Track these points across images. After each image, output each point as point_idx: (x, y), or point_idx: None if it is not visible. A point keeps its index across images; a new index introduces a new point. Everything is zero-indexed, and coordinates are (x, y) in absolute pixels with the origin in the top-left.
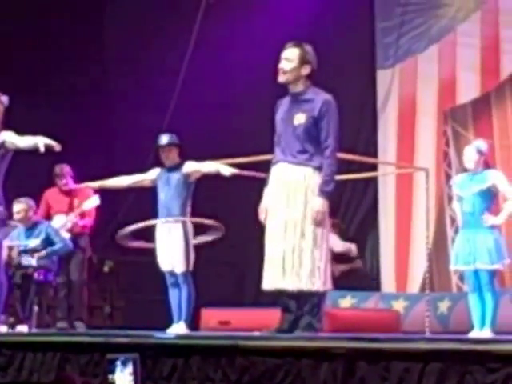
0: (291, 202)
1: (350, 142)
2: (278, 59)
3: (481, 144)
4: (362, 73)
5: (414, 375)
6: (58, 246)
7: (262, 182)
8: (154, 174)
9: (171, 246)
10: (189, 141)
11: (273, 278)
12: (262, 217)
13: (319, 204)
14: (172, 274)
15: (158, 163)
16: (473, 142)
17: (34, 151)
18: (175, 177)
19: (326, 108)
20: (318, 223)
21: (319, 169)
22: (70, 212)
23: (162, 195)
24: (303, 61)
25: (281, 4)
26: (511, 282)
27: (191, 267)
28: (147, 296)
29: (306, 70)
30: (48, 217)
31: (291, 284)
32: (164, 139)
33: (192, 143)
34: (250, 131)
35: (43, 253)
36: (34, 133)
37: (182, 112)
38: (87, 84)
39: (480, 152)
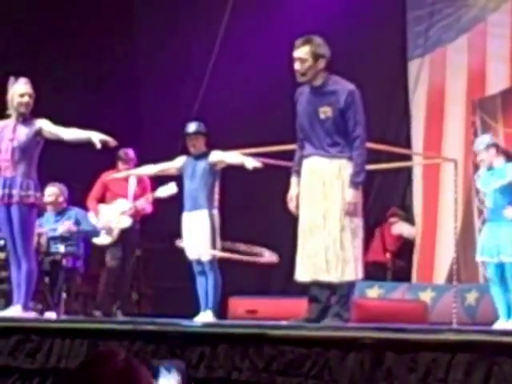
0: (329, 195)
1: (379, 132)
2: None
3: (486, 139)
4: (392, 62)
5: (442, 366)
6: (87, 228)
7: (289, 171)
8: (180, 161)
9: (198, 234)
10: (215, 130)
11: (313, 270)
12: (291, 205)
13: (351, 195)
14: (199, 262)
15: (185, 151)
16: (477, 139)
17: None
18: (201, 166)
19: (351, 98)
20: (351, 214)
21: (352, 159)
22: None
23: (189, 184)
24: (316, 56)
25: None
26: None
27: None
28: (175, 284)
29: (321, 64)
30: (103, 199)
31: (331, 276)
32: (192, 127)
33: (218, 132)
34: (275, 121)
35: (73, 228)
36: (60, 116)
37: (209, 101)
38: (114, 66)
39: (489, 147)
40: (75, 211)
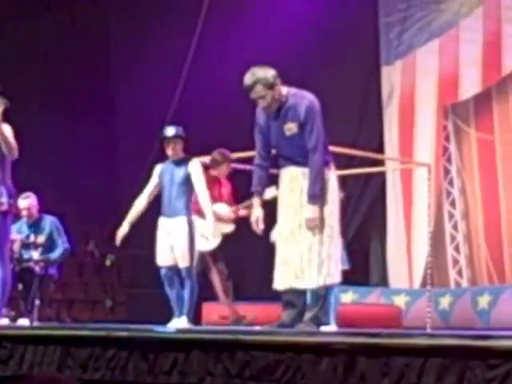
0: (305, 203)
1: (352, 137)
2: (281, 53)
3: None
4: (366, 68)
5: (415, 371)
6: (57, 253)
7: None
8: (156, 175)
9: (176, 240)
10: (190, 134)
11: (289, 278)
12: (256, 228)
13: (310, 211)
14: (171, 268)
15: (159, 157)
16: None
17: None
18: (180, 173)
19: (309, 111)
20: (313, 229)
21: (327, 163)
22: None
23: (168, 190)
24: (271, 86)
25: None
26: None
27: (195, 262)
28: (149, 290)
29: (278, 87)
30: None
31: (306, 283)
32: (170, 131)
33: (194, 137)
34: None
35: (42, 258)
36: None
37: (184, 106)
38: (89, 73)
39: None
40: (49, 221)
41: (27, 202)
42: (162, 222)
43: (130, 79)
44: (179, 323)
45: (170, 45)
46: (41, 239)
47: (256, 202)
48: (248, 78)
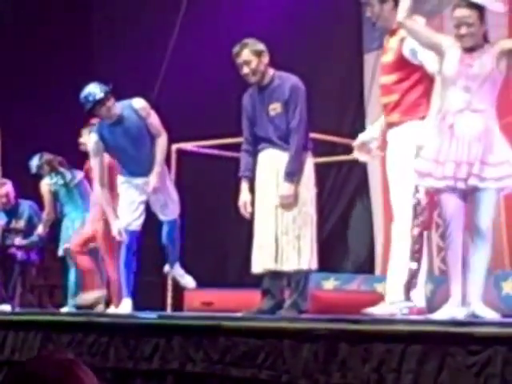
0: (280, 186)
1: (334, 123)
2: (267, 39)
3: None
4: (348, 55)
5: (395, 357)
6: (35, 238)
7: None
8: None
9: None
10: (174, 120)
11: (265, 260)
12: (244, 211)
13: (284, 188)
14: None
15: None
16: None
17: None
18: (131, 126)
19: (294, 92)
20: (287, 207)
21: (306, 149)
22: None
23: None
24: (258, 53)
25: None
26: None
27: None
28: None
29: (265, 59)
30: None
31: (283, 265)
32: (97, 93)
33: (177, 123)
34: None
35: (24, 243)
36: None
37: (167, 92)
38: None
39: None
40: (28, 206)
41: (4, 189)
42: (129, 181)
43: (113, 58)
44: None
45: (157, 20)
46: (20, 224)
47: (244, 186)
48: (237, 44)
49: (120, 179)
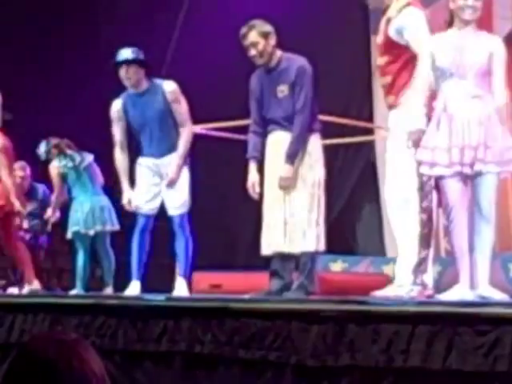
0: None
1: (342, 106)
2: (275, 21)
3: None
4: (356, 38)
5: (404, 338)
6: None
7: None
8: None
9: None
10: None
11: (274, 242)
12: (253, 192)
13: (284, 170)
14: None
15: None
16: None
17: None
18: (154, 104)
19: (300, 73)
20: (286, 189)
21: (314, 131)
22: None
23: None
24: (265, 34)
25: None
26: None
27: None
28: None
29: (272, 41)
30: None
31: (291, 247)
32: (127, 53)
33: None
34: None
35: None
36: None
37: (173, 76)
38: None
39: None
40: (42, 190)
41: (23, 172)
42: (147, 162)
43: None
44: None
45: (160, 16)
46: (32, 206)
47: (252, 167)
48: (245, 26)
49: (138, 160)
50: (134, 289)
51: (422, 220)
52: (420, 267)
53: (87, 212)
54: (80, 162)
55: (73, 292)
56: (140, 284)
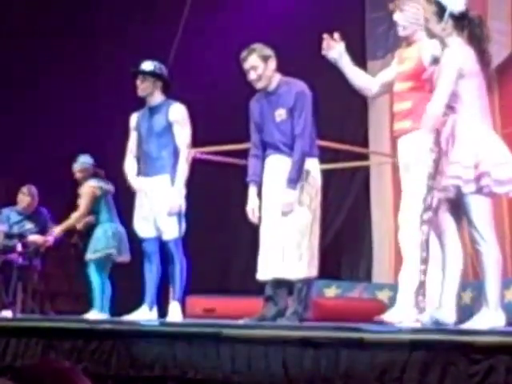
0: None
1: (337, 131)
2: (273, 45)
3: None
4: (353, 62)
5: (398, 365)
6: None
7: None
8: (133, 127)
9: (159, 205)
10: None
11: (271, 268)
12: (252, 217)
13: (286, 196)
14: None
15: None
16: None
17: None
18: (159, 121)
19: (298, 98)
20: (287, 214)
21: (312, 156)
22: None
23: (144, 146)
24: (265, 58)
25: None
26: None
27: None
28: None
29: (272, 64)
30: None
31: (287, 273)
32: (146, 65)
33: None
34: (237, 118)
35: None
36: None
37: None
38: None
39: None
40: (45, 213)
41: (32, 194)
42: (142, 182)
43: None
44: (146, 314)
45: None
46: (30, 226)
47: (252, 191)
48: (245, 50)
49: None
50: (141, 314)
51: (423, 232)
52: (419, 291)
53: (111, 237)
54: (109, 189)
55: (90, 315)
56: (152, 308)
